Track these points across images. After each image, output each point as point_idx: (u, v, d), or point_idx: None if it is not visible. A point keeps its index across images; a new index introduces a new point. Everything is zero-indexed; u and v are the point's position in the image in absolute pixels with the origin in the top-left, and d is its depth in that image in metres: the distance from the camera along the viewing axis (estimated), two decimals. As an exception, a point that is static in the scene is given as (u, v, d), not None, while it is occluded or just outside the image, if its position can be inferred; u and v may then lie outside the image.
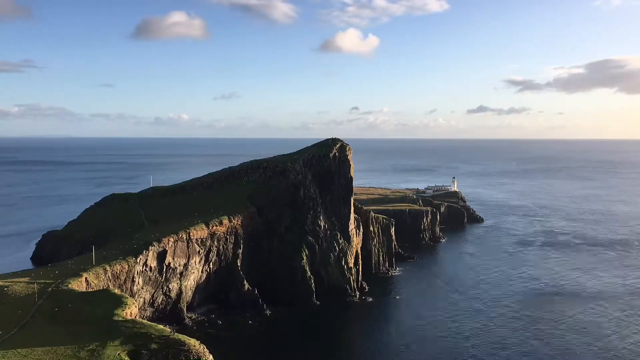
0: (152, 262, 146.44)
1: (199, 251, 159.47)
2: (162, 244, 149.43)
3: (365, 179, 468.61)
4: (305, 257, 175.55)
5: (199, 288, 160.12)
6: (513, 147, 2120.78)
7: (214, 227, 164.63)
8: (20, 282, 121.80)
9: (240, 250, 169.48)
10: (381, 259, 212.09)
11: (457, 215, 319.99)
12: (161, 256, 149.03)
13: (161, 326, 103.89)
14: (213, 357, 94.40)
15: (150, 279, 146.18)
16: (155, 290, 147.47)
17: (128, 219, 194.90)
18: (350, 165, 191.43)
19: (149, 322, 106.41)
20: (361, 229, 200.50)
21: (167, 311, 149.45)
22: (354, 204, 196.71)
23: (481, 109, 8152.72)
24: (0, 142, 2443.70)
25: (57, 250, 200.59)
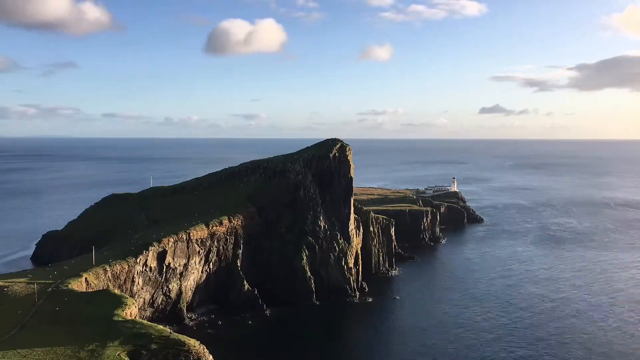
0: (152, 263, 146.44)
1: (198, 251, 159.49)
2: (162, 244, 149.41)
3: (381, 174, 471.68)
4: (305, 257, 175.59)
5: (198, 288, 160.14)
6: (528, 146, 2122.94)
7: (214, 228, 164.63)
8: (20, 282, 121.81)
9: (240, 251, 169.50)
10: (381, 259, 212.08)
11: (457, 216, 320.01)
12: (161, 256, 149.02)
13: (161, 326, 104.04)
14: (213, 357, 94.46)
15: (150, 279, 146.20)
16: (155, 291, 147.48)
17: (128, 219, 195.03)
18: (350, 165, 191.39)
19: (149, 322, 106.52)
20: (361, 229, 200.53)
21: (167, 311, 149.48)
22: (354, 204, 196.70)
23: (495, 109, 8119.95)
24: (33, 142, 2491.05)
25: (57, 250, 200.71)
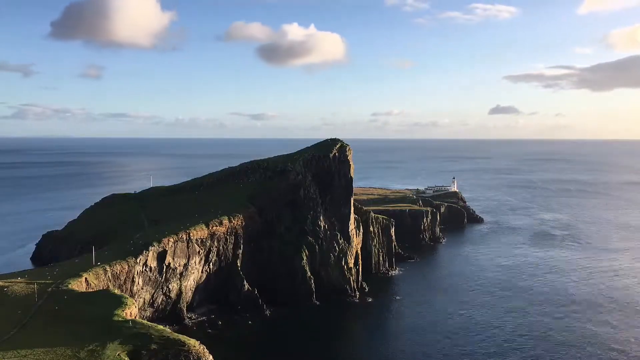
0: (152, 263, 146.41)
1: (199, 251, 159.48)
2: (162, 244, 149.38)
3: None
4: (305, 257, 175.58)
5: (199, 288, 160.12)
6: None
7: (214, 228, 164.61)
8: (20, 282, 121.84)
9: (240, 251, 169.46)
10: (381, 259, 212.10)
11: (457, 216, 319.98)
12: (161, 256, 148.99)
13: (161, 326, 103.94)
14: (213, 357, 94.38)
15: (150, 279, 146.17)
16: (155, 291, 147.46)
17: (128, 219, 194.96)
18: (350, 165, 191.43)
19: (149, 322, 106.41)
20: (361, 229, 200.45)
21: (167, 311, 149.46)
22: (354, 204, 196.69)
23: (506, 109, 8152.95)
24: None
25: (57, 250, 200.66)
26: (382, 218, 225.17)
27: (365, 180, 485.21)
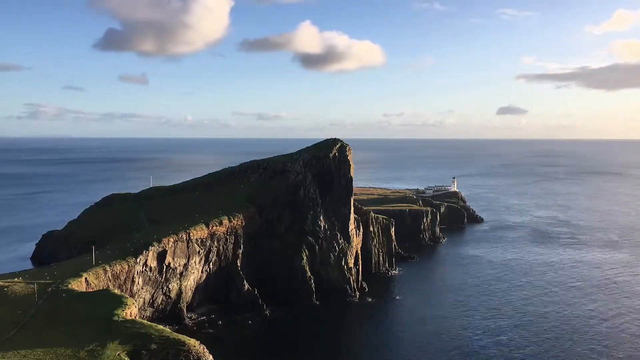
0: (152, 262, 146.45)
1: (199, 251, 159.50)
2: (162, 244, 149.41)
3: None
4: (305, 257, 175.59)
5: (199, 288, 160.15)
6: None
7: (214, 227, 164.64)
8: (20, 282, 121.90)
9: (240, 251, 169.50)
10: (381, 259, 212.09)
11: (457, 216, 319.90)
12: (161, 256, 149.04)
13: (161, 326, 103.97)
14: (213, 357, 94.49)
15: (150, 279, 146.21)
16: (155, 291, 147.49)
17: (128, 219, 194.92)
18: (350, 165, 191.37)
19: (149, 322, 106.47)
20: (361, 229, 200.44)
21: (167, 311, 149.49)
22: (354, 204, 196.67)
23: (515, 110, 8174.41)
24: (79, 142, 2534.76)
25: (57, 250, 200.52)
26: (382, 218, 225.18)
27: (366, 181, 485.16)
